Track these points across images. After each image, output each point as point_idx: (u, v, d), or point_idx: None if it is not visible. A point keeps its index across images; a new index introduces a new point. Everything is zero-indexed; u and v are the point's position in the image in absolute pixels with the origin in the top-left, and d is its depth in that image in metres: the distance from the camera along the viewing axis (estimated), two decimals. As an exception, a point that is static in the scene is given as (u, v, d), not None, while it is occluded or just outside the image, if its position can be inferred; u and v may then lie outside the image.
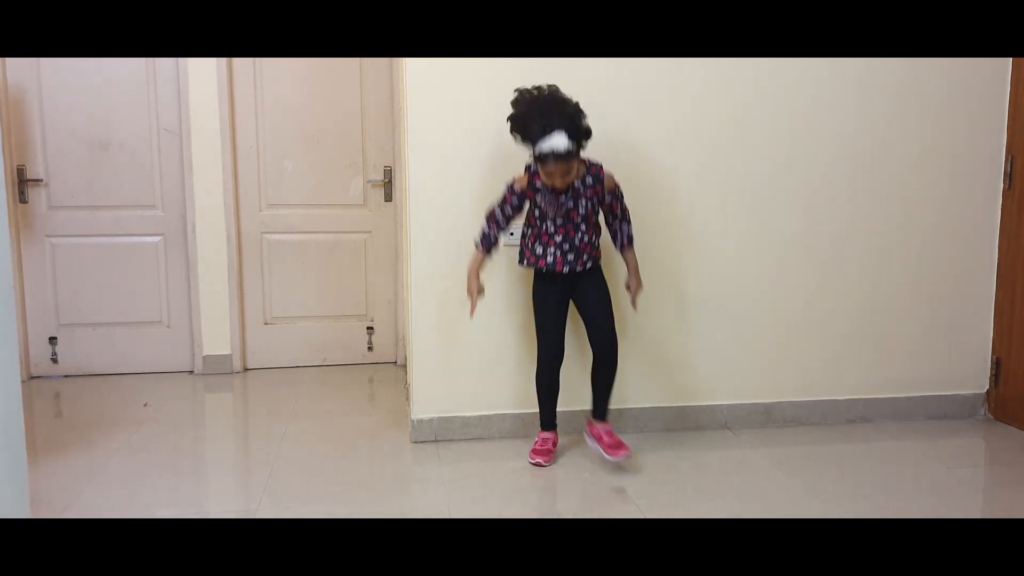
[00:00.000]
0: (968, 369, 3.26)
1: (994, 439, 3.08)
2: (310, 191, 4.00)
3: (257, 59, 3.86)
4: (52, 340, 3.88)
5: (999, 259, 3.20)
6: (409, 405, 3.10)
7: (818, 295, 3.12)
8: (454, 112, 2.82)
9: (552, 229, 2.57)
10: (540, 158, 2.44)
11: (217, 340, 3.94)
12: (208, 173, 3.83)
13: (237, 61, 3.85)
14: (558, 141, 2.39)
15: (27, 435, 1.84)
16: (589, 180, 2.56)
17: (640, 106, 2.91)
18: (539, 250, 2.60)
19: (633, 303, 2.73)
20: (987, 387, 3.28)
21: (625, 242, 2.69)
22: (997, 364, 3.24)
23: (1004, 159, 3.15)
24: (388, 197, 4.08)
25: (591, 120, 2.50)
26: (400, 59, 3.20)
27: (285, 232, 4.01)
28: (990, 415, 3.28)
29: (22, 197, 3.77)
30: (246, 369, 4.04)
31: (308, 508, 2.42)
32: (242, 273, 3.98)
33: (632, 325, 2.97)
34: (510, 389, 2.96)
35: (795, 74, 2.97)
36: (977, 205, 3.17)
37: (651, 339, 3.03)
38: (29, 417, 3.29)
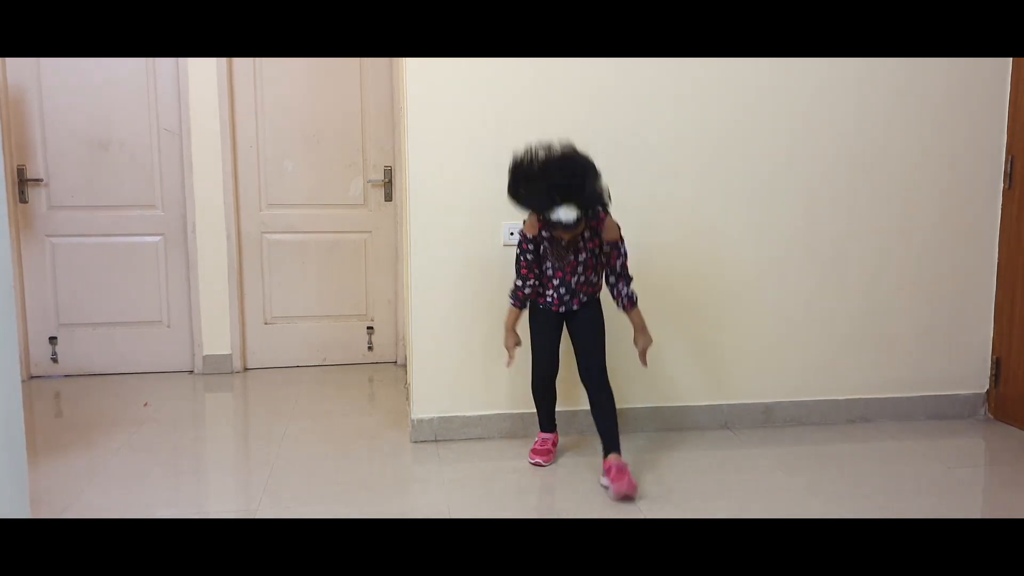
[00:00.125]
0: (968, 369, 3.26)
1: (994, 439, 3.08)
2: (310, 191, 4.00)
3: (257, 59, 3.86)
4: (52, 340, 3.88)
5: (999, 259, 3.20)
6: (409, 405, 3.10)
7: (818, 295, 3.12)
8: (454, 112, 2.82)
9: (551, 272, 2.55)
10: (548, 224, 2.39)
11: (217, 340, 3.94)
12: (208, 173, 3.83)
13: (237, 61, 3.85)
14: (567, 214, 2.28)
15: (27, 435, 1.84)
16: (587, 234, 2.48)
17: (640, 106, 2.90)
18: (539, 288, 2.59)
19: (642, 360, 2.61)
20: (987, 387, 3.28)
21: (626, 303, 2.54)
22: (997, 364, 3.24)
23: (1004, 159, 3.15)
24: (388, 197, 4.08)
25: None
26: (400, 59, 3.20)
27: (285, 232, 4.01)
28: (990, 415, 3.28)
29: (22, 197, 3.77)
30: (246, 369, 4.04)
31: (308, 508, 2.42)
32: (242, 273, 3.99)
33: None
34: (510, 389, 2.96)
35: (795, 74, 2.97)
36: (977, 205, 3.17)
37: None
38: (29, 417, 3.29)
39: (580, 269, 2.53)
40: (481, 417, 2.98)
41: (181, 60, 3.74)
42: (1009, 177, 3.15)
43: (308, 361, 4.11)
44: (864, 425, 3.17)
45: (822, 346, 3.15)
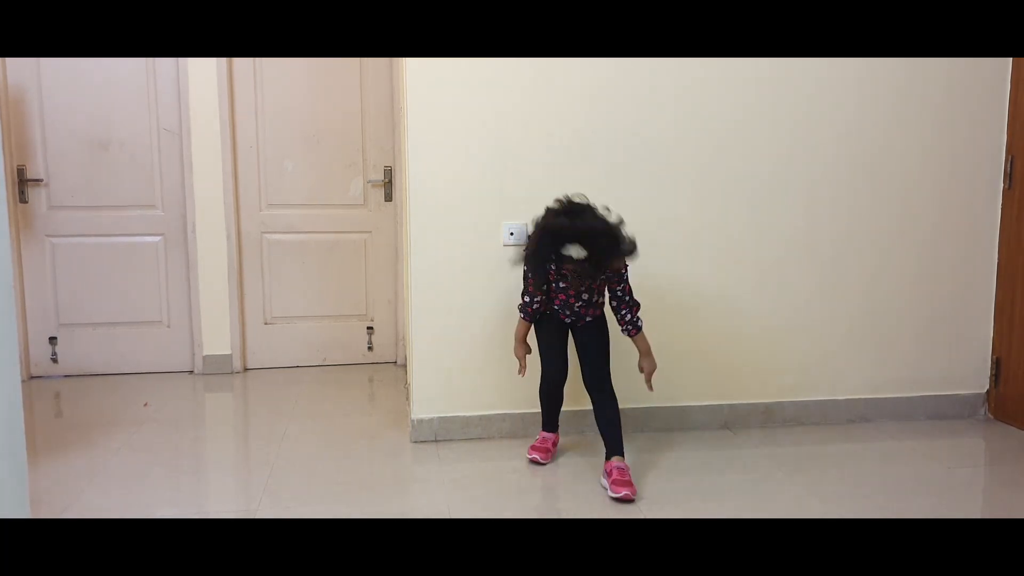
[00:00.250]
0: (968, 369, 3.26)
1: (994, 439, 3.08)
2: (310, 191, 4.00)
3: (257, 59, 3.86)
4: (52, 340, 3.88)
5: (999, 259, 3.20)
6: (409, 405, 3.10)
7: (818, 295, 3.12)
8: (454, 112, 2.82)
9: (557, 289, 2.56)
10: (559, 258, 2.45)
11: (217, 340, 3.94)
12: (208, 173, 3.83)
13: (237, 61, 3.85)
14: (577, 251, 2.39)
15: (27, 435, 1.84)
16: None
17: (640, 106, 2.90)
18: (545, 301, 2.60)
19: (648, 384, 2.62)
20: (987, 387, 3.28)
21: (631, 330, 2.57)
22: (997, 364, 3.24)
23: (1004, 159, 3.15)
24: (388, 197, 4.08)
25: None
26: (400, 59, 3.20)
27: (285, 232, 4.01)
28: (990, 415, 3.28)
29: (22, 197, 3.77)
30: (246, 369, 4.04)
31: (308, 508, 2.42)
32: (242, 273, 3.99)
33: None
34: (510, 389, 2.96)
35: (795, 74, 2.97)
36: (977, 205, 3.17)
37: (651, 339, 3.02)
38: (29, 417, 3.29)
39: (584, 292, 2.55)
40: (481, 417, 2.98)
41: (181, 60, 3.74)
42: (1009, 177, 3.15)
43: (308, 361, 4.11)
44: (864, 425, 3.17)
45: (822, 346, 3.15)
